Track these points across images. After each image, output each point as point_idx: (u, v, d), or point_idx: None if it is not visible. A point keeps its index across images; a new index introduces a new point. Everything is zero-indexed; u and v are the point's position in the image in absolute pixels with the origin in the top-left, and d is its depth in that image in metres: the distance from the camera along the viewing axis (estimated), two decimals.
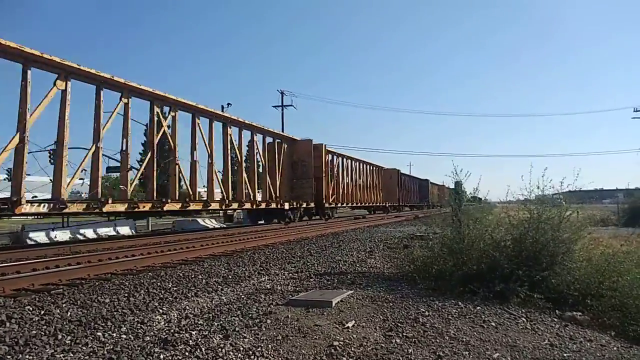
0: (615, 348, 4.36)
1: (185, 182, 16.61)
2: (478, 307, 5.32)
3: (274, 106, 46.26)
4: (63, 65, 11.47)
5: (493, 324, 4.75)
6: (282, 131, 27.47)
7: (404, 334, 4.27)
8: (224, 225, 23.41)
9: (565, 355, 3.92)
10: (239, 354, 3.65)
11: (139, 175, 15.35)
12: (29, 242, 14.24)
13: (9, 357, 3.54)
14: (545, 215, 6.33)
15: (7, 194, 10.79)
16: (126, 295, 5.91)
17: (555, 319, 5.18)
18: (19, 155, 10.49)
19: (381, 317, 4.87)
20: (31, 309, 5.14)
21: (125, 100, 13.62)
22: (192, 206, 16.11)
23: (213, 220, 24.94)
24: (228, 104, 33.65)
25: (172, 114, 15.84)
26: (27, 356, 3.54)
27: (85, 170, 12.37)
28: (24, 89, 10.61)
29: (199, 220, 24.18)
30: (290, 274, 7.63)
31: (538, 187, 6.89)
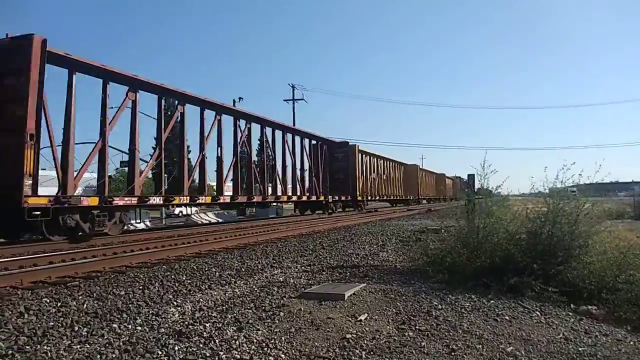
0: (631, 343, 4.29)
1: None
2: (492, 301, 5.28)
3: (285, 100, 46.41)
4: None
5: (507, 317, 4.71)
6: (294, 124, 27.79)
7: (417, 327, 4.27)
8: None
9: (580, 349, 3.88)
10: (253, 346, 3.68)
11: None
12: None
13: (27, 347, 3.61)
14: (562, 209, 6.23)
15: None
16: (141, 287, 5.98)
17: (570, 313, 5.12)
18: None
19: (394, 310, 4.87)
20: (48, 301, 5.23)
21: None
22: None
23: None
24: (239, 98, 33.71)
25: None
26: (45, 347, 3.61)
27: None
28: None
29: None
30: (303, 267, 7.66)
31: (559, 180, 6.76)
